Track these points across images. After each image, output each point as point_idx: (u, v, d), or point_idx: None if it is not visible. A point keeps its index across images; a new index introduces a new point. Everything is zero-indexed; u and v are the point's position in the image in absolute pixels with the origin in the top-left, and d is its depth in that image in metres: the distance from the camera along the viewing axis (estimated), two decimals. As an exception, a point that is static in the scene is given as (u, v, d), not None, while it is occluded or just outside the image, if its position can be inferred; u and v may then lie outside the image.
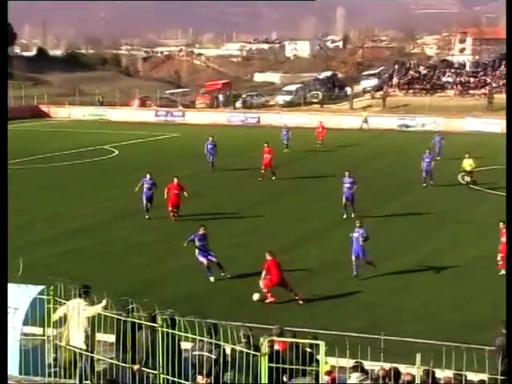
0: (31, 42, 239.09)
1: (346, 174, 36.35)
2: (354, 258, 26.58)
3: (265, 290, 23.87)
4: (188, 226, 33.46)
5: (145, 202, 35.33)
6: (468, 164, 43.16)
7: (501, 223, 26.42)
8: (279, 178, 46.15)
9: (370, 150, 61.14)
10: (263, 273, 24.25)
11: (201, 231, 26.19)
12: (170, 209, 34.96)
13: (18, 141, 67.75)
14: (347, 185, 35.89)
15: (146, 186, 35.39)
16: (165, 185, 35.08)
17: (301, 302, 23.76)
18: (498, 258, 26.09)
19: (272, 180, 45.71)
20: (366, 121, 77.61)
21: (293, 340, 13.89)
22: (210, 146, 50.20)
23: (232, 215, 36.52)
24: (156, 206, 35.00)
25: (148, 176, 35.67)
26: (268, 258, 24.11)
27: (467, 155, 43.49)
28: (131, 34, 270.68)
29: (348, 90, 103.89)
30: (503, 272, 25.73)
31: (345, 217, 35.21)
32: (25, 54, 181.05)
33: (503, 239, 25.99)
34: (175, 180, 35.09)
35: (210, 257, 25.94)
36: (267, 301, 23.70)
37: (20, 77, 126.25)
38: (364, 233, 26.46)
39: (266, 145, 47.10)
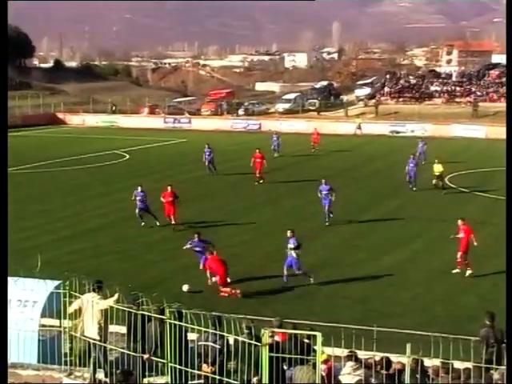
0: (49, 55, 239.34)
1: (323, 181, 35.01)
2: (285, 268, 24.85)
3: (227, 289, 23.61)
4: (195, 226, 33.51)
5: (138, 212, 33.80)
6: (437, 169, 42.26)
7: (459, 220, 26.51)
8: (280, 181, 46.15)
9: (364, 154, 61.13)
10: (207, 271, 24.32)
11: (195, 238, 25.86)
12: (168, 219, 33.62)
13: (37, 146, 68.04)
14: (324, 192, 34.38)
15: (138, 198, 33.77)
16: (176, 187, 34.61)
17: (238, 294, 23.67)
18: (458, 256, 26.01)
19: (263, 183, 45.24)
20: (359, 127, 77.58)
21: (292, 331, 13.88)
22: (207, 153, 49.11)
23: (236, 215, 36.47)
24: (155, 209, 34.28)
25: (139, 188, 33.88)
26: (208, 256, 24.07)
27: (436, 160, 42.91)
28: (141, 47, 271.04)
29: (343, 98, 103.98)
30: (469, 272, 25.71)
31: (327, 224, 34.21)
32: (43, 65, 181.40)
33: (461, 235, 26.07)
34: (169, 188, 33.64)
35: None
36: (233, 293, 23.50)
37: (38, 87, 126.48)
38: (295, 242, 24.79)
39: (257, 150, 46.29)
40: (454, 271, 25.96)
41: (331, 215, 34.28)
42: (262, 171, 45.97)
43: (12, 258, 26.47)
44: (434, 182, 42.41)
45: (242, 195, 42.50)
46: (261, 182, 45.64)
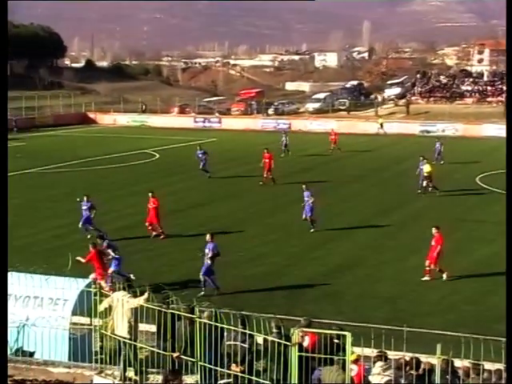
0: (80, 55, 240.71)
1: (303, 187, 33.59)
2: (201, 276, 23.75)
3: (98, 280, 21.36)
4: (223, 226, 33.56)
5: (81, 223, 31.80)
6: (426, 169, 40.68)
7: (433, 228, 25.91)
8: (308, 180, 45.90)
9: (393, 154, 60.69)
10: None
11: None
12: (147, 225, 31.88)
13: (68, 145, 68.48)
14: (305, 198, 32.81)
15: (83, 208, 31.90)
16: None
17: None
18: (426, 264, 25.60)
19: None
20: (381, 126, 76.94)
21: (321, 331, 13.85)
22: (200, 156, 48.10)
23: (262, 215, 36.50)
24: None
25: (85, 198, 32.12)
26: (92, 250, 23.30)
27: (425, 160, 41.60)
28: (172, 47, 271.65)
29: (373, 97, 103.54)
30: (426, 278, 25.45)
31: (312, 231, 32.62)
32: (74, 65, 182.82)
33: (433, 243, 25.58)
34: (150, 195, 32.34)
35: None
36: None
37: (69, 86, 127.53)
38: (213, 248, 23.73)
39: (265, 150, 45.36)
40: (423, 279, 25.53)
41: (314, 224, 32.45)
42: (270, 172, 44.98)
43: (43, 256, 26.86)
44: (424, 183, 40.77)
45: (269, 195, 42.41)
46: (267, 184, 44.50)
